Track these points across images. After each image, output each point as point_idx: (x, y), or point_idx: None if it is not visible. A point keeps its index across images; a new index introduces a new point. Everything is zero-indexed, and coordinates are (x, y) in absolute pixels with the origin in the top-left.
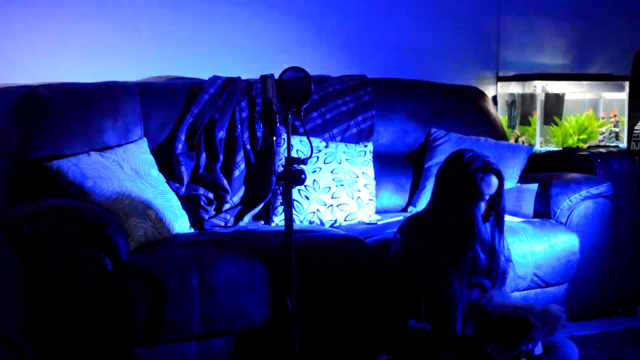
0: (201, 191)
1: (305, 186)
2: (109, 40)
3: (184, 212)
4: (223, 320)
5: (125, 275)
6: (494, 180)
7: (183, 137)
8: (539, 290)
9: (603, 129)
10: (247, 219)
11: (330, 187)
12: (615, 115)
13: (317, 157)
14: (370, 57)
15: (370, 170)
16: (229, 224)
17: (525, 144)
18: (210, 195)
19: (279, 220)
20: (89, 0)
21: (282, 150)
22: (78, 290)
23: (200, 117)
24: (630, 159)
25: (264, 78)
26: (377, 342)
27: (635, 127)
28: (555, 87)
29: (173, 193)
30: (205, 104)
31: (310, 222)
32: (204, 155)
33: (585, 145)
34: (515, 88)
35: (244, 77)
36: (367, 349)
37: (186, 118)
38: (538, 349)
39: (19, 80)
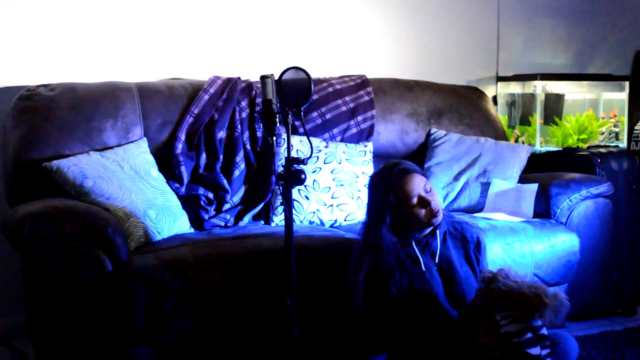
0: (201, 191)
1: (305, 186)
2: (109, 40)
3: (184, 212)
4: (223, 320)
5: (125, 275)
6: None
7: (183, 137)
8: None
9: (603, 129)
10: (247, 219)
11: (330, 187)
12: (615, 115)
13: (317, 157)
14: (370, 57)
15: (370, 170)
16: (229, 224)
17: (525, 144)
18: (210, 195)
19: (279, 220)
20: (89, 0)
21: (282, 150)
22: (78, 290)
23: (200, 117)
24: (630, 159)
25: (264, 78)
26: (377, 342)
27: (635, 127)
28: (555, 87)
29: (173, 193)
30: (205, 104)
31: (310, 222)
32: (204, 155)
33: (585, 145)
34: (515, 88)
35: (244, 77)
36: (367, 348)
37: (186, 118)
38: (543, 330)
39: (19, 81)
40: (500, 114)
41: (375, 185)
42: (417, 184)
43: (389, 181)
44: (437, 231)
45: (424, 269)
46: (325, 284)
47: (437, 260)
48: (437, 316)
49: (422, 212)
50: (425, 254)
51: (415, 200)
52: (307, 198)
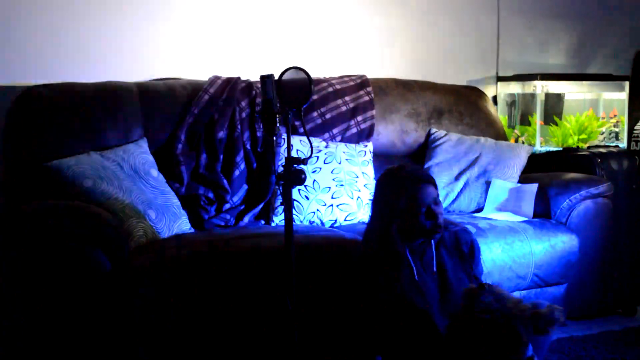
0: (201, 191)
1: (305, 186)
2: (109, 40)
3: (184, 212)
4: (224, 320)
5: (125, 275)
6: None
7: (183, 137)
8: (538, 289)
9: (603, 129)
10: (247, 219)
11: (330, 187)
12: (615, 115)
13: (317, 157)
14: (370, 57)
15: (370, 170)
16: (229, 224)
17: (525, 144)
18: (211, 195)
19: (279, 220)
20: (88, 0)
21: (282, 150)
22: (77, 290)
23: (200, 117)
24: (630, 159)
25: (263, 78)
26: (376, 342)
27: (635, 127)
28: (555, 87)
29: (173, 193)
30: (206, 104)
31: (310, 222)
32: (204, 155)
33: (585, 145)
34: (515, 88)
35: (244, 77)
36: (366, 348)
37: (186, 118)
38: (528, 351)
39: (19, 80)
40: (500, 114)
41: (387, 186)
42: (430, 194)
43: (403, 185)
44: (432, 240)
45: (416, 277)
46: (324, 284)
47: (434, 269)
48: (426, 327)
49: (429, 223)
50: (418, 262)
51: (424, 210)
52: (307, 198)
